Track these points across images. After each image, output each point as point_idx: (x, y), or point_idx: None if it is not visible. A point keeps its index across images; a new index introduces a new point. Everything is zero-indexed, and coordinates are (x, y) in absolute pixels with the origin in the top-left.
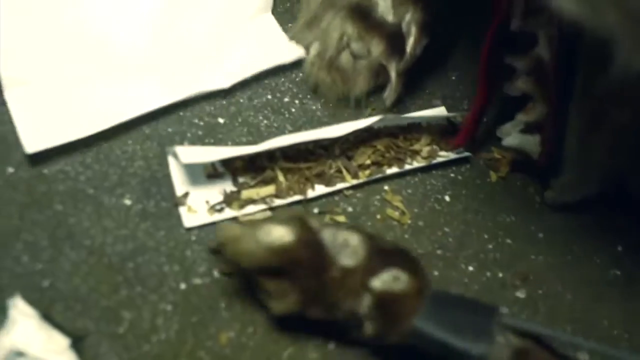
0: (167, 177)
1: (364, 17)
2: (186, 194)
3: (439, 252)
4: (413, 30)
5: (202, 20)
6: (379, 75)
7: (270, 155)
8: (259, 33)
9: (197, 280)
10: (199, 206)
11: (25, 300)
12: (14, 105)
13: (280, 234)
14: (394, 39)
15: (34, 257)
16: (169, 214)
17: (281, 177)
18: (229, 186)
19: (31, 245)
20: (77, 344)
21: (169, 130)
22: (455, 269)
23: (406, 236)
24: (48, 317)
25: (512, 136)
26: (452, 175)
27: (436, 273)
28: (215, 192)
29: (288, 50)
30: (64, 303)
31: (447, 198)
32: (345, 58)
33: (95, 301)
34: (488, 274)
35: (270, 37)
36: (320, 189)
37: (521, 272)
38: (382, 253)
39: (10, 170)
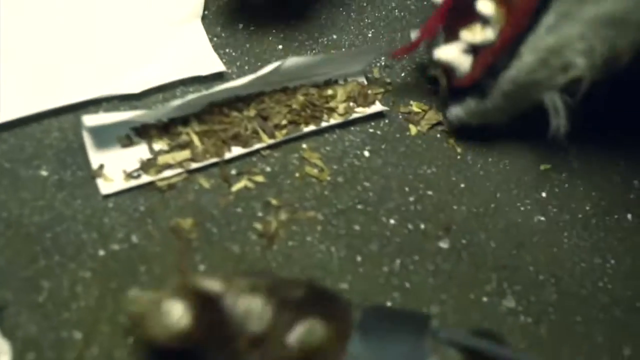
0: (83, 147)
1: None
2: (101, 166)
3: (359, 207)
4: None
5: (128, 21)
6: None
7: (184, 120)
8: (184, 41)
9: (116, 247)
10: (116, 174)
11: None
12: None
13: (178, 314)
14: None
15: None
16: (86, 183)
17: (197, 141)
18: (145, 154)
19: None
20: None
21: (85, 100)
22: (377, 223)
23: (326, 192)
24: None
25: (446, 50)
26: (370, 130)
27: (357, 228)
28: (132, 160)
29: (210, 63)
30: None
31: (366, 153)
32: None
33: (13, 272)
34: (410, 226)
35: (194, 46)
36: (236, 151)
37: (444, 223)
38: (290, 307)
39: None
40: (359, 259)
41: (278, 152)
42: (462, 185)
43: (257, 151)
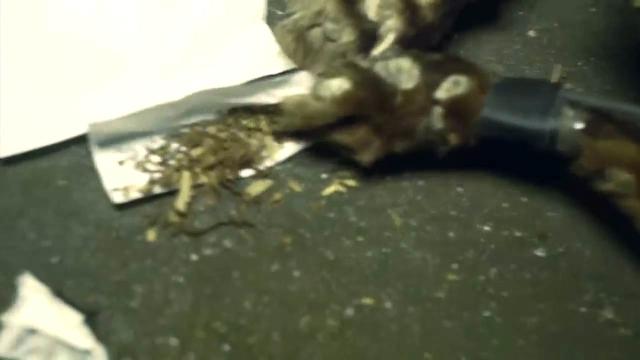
0: None
1: (349, 3)
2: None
3: (452, 213)
4: (390, 37)
5: (190, 25)
6: None
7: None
8: (249, 42)
9: (208, 251)
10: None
11: (35, 278)
12: None
13: (338, 84)
14: (366, 36)
15: (40, 234)
16: None
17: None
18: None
19: (37, 222)
20: (90, 319)
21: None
22: (471, 230)
23: (418, 198)
24: (59, 293)
25: None
26: None
27: (451, 234)
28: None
29: (276, 62)
30: (74, 279)
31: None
32: (315, 34)
33: (105, 276)
34: (505, 233)
35: (260, 46)
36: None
37: (539, 230)
38: (436, 66)
39: None
40: (454, 266)
41: None
42: (557, 192)
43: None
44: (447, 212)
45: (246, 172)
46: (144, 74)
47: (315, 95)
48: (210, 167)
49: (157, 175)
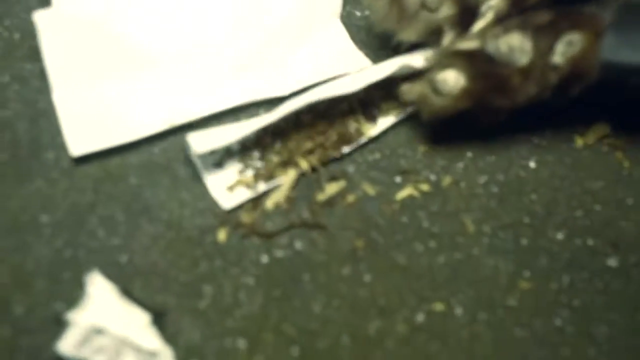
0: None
1: None
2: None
3: (526, 220)
4: (489, 15)
5: (267, 24)
6: (431, 36)
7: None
8: (326, 40)
9: (279, 253)
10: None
11: (104, 276)
12: (61, 106)
13: (454, 80)
14: (466, 12)
15: (110, 231)
16: None
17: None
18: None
19: (107, 220)
20: (158, 320)
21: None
22: (544, 237)
23: (492, 204)
24: (127, 292)
25: None
26: (536, 141)
27: (524, 242)
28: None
29: (355, 60)
30: (142, 278)
31: (532, 164)
32: (413, 0)
33: (174, 276)
34: (578, 241)
35: (337, 44)
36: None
37: (612, 239)
38: (545, 29)
39: None
40: (526, 274)
41: (443, 159)
42: (630, 201)
43: (422, 158)
44: (521, 219)
45: (347, 148)
46: (221, 73)
47: (434, 89)
48: (310, 151)
49: (261, 172)
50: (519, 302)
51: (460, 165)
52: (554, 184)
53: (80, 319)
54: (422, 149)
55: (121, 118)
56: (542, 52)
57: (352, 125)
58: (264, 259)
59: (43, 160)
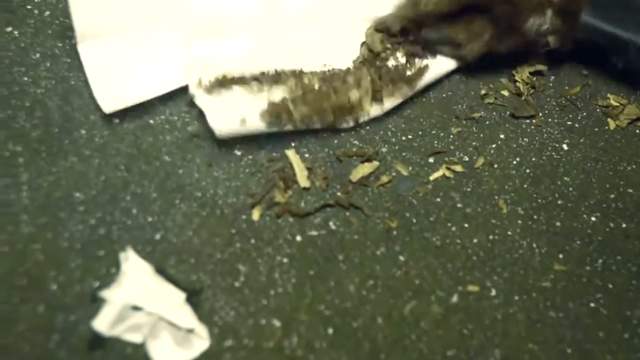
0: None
1: None
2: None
3: (560, 202)
4: None
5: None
6: None
7: None
8: None
9: (313, 232)
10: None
11: (138, 254)
12: (87, 61)
13: None
14: None
15: (144, 209)
16: None
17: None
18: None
19: (140, 198)
20: (192, 297)
21: None
22: (578, 220)
23: (525, 185)
24: (162, 270)
25: None
26: (569, 123)
27: (558, 224)
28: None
29: None
30: (177, 256)
31: (565, 147)
32: None
33: (209, 254)
34: (611, 224)
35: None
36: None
37: None
38: None
39: (116, 121)
40: (560, 256)
41: (475, 140)
42: None
43: (455, 139)
44: (555, 201)
45: (345, 124)
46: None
47: None
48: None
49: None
50: (553, 284)
51: (493, 146)
52: (587, 167)
53: (115, 296)
54: (454, 129)
55: (148, 72)
56: None
57: (354, 98)
58: (298, 238)
59: (76, 138)
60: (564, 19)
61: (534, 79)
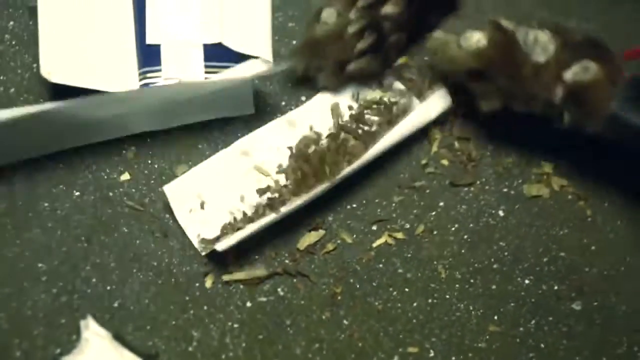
0: None
1: None
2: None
3: (495, 266)
4: None
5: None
6: None
7: None
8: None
9: (262, 298)
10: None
11: (97, 321)
12: (43, 32)
13: (477, 38)
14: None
15: (103, 279)
16: None
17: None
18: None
19: (100, 267)
20: None
21: None
22: (512, 283)
23: (463, 251)
24: (119, 337)
25: None
26: (504, 190)
27: (494, 287)
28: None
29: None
30: (134, 323)
31: (500, 213)
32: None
33: (164, 321)
34: (544, 287)
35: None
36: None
37: (576, 285)
38: (572, 46)
39: (77, 193)
40: (495, 318)
41: (416, 208)
42: (593, 248)
43: (397, 207)
44: (490, 265)
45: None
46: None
47: (458, 42)
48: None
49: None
50: (488, 345)
51: (432, 214)
52: (521, 232)
53: None
54: (397, 198)
55: (98, 63)
56: (560, 61)
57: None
58: (248, 304)
59: (39, 210)
60: (582, 103)
61: (471, 148)
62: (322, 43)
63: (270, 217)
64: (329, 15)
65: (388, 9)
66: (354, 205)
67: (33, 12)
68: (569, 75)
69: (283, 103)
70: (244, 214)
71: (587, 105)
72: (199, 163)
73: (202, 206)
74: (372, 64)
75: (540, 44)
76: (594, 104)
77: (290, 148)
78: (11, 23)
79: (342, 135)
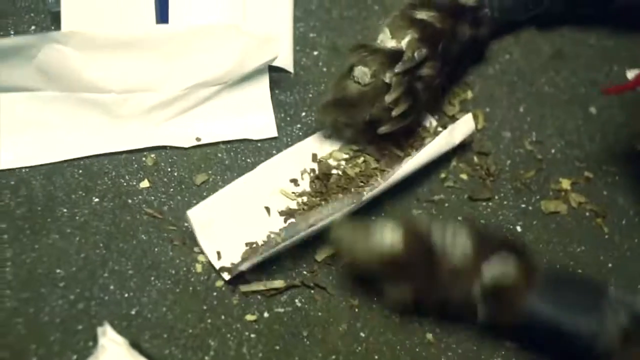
0: None
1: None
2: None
3: None
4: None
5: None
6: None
7: None
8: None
9: (280, 309)
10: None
11: (114, 328)
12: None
13: (390, 242)
14: (393, 56)
15: (120, 286)
16: None
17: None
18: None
19: (118, 275)
20: None
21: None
22: None
23: None
24: (136, 344)
25: None
26: (522, 205)
27: None
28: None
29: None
30: (151, 331)
31: (518, 228)
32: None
33: (181, 329)
34: None
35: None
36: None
37: None
38: (490, 245)
39: (96, 200)
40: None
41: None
42: (610, 265)
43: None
44: None
45: None
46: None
47: (366, 242)
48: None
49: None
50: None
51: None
52: (539, 248)
53: None
54: (415, 211)
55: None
56: (477, 262)
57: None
58: (266, 314)
59: (57, 216)
60: (498, 300)
61: (490, 163)
62: (354, 102)
63: (292, 240)
64: (362, 74)
65: (424, 72)
66: (373, 218)
67: (56, 17)
68: (486, 275)
69: (303, 114)
70: (268, 236)
71: (503, 303)
72: (217, 172)
73: (224, 230)
74: (405, 125)
75: (458, 243)
76: (511, 301)
77: (312, 170)
78: (33, 28)
79: (363, 158)
